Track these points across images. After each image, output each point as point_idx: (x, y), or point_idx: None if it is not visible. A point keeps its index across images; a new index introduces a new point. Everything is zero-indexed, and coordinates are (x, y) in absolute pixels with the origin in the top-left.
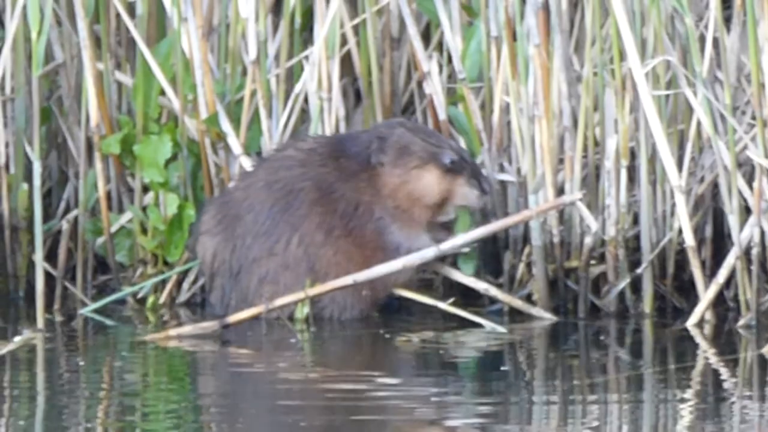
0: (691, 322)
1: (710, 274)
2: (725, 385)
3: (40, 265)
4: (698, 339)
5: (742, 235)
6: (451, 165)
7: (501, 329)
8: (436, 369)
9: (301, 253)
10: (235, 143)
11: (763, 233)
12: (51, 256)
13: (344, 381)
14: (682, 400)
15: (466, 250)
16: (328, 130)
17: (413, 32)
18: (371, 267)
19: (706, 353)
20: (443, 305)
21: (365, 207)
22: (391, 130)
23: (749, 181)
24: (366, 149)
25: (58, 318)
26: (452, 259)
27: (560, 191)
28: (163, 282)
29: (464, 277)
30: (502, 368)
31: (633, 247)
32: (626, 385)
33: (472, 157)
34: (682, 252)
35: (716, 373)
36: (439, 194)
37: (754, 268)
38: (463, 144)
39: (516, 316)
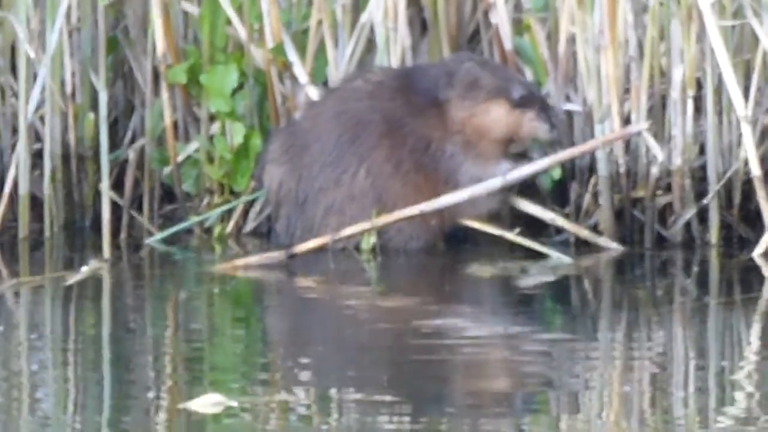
0: (757, 252)
1: None
2: None
3: (107, 194)
4: (764, 269)
5: None
6: (520, 99)
7: (567, 259)
8: (504, 299)
9: (368, 184)
10: (301, 72)
11: None
12: (117, 186)
13: (412, 310)
14: (748, 330)
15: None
16: (394, 60)
17: None
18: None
19: None
20: (510, 235)
21: (437, 144)
22: (459, 65)
23: None
24: (434, 84)
25: (125, 248)
26: (518, 189)
27: (626, 121)
28: (230, 211)
29: (531, 206)
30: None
31: (699, 177)
32: (692, 315)
33: (539, 89)
34: (748, 182)
35: None
36: (508, 128)
37: None
38: (529, 74)
39: (582, 246)
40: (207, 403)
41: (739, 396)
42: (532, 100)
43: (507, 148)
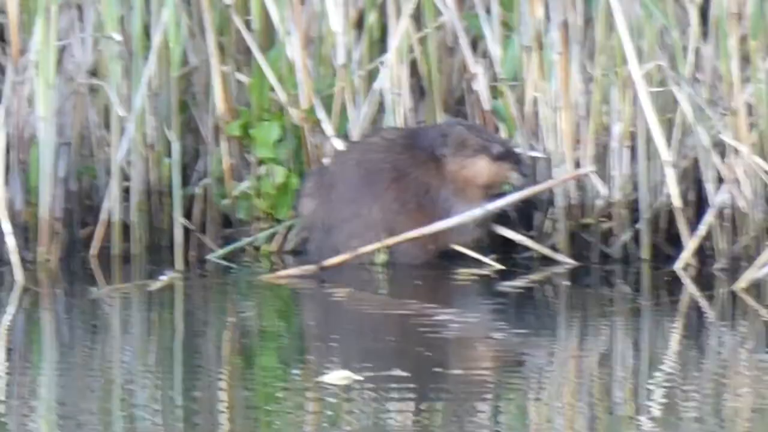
0: (678, 266)
1: (693, 229)
2: (705, 314)
3: (179, 221)
4: (684, 279)
5: (717, 199)
6: (498, 154)
7: (498, 265)
8: (483, 299)
9: (380, 218)
10: (328, 128)
11: (733, 198)
12: (188, 215)
13: (414, 308)
14: (672, 326)
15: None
16: (399, 118)
17: (464, 43)
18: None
19: (691, 290)
20: (486, 259)
21: (434, 189)
22: (452, 128)
23: (722, 157)
24: (433, 143)
25: (193, 262)
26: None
27: (577, 165)
28: (274, 234)
29: (505, 231)
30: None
31: (633, 208)
32: (629, 314)
33: (512, 143)
34: (671, 212)
35: (698, 305)
36: (489, 177)
37: (727, 224)
38: (503, 129)
39: (544, 260)
40: (338, 377)
41: (666, 378)
42: (508, 155)
43: (488, 192)
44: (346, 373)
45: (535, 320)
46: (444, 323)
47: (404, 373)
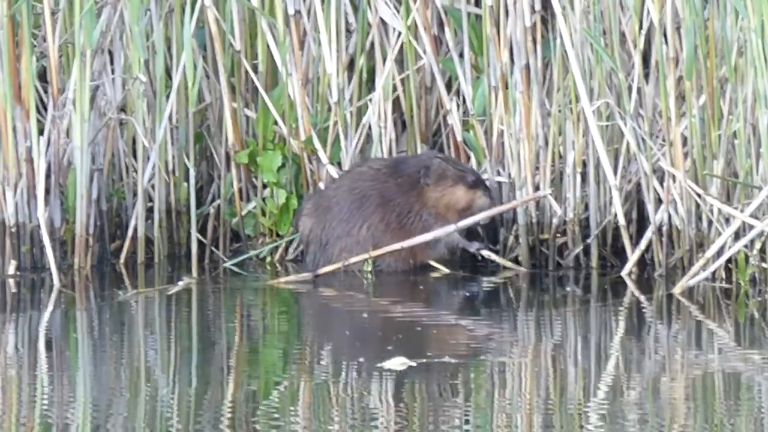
0: (624, 273)
1: (635, 242)
2: (645, 312)
3: (195, 236)
4: (628, 283)
5: (656, 217)
6: (472, 183)
7: (446, 270)
8: (454, 298)
9: (369, 235)
10: (323, 156)
11: (669, 216)
12: (202, 231)
13: (393, 305)
14: (617, 322)
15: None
16: (385, 147)
17: (440, 83)
18: (415, 245)
19: (633, 292)
20: (455, 272)
21: (415, 213)
22: (431, 160)
23: (661, 181)
24: (416, 173)
25: (207, 270)
26: (465, 233)
27: (537, 188)
28: (276, 247)
29: (473, 246)
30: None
31: (584, 225)
32: (580, 312)
33: (481, 171)
34: (617, 228)
35: (639, 305)
36: (465, 202)
37: (664, 239)
38: (473, 157)
39: (508, 270)
40: (397, 363)
41: (611, 363)
42: (479, 184)
43: (462, 215)
44: (403, 359)
45: (496, 314)
46: (413, 318)
47: (453, 360)
